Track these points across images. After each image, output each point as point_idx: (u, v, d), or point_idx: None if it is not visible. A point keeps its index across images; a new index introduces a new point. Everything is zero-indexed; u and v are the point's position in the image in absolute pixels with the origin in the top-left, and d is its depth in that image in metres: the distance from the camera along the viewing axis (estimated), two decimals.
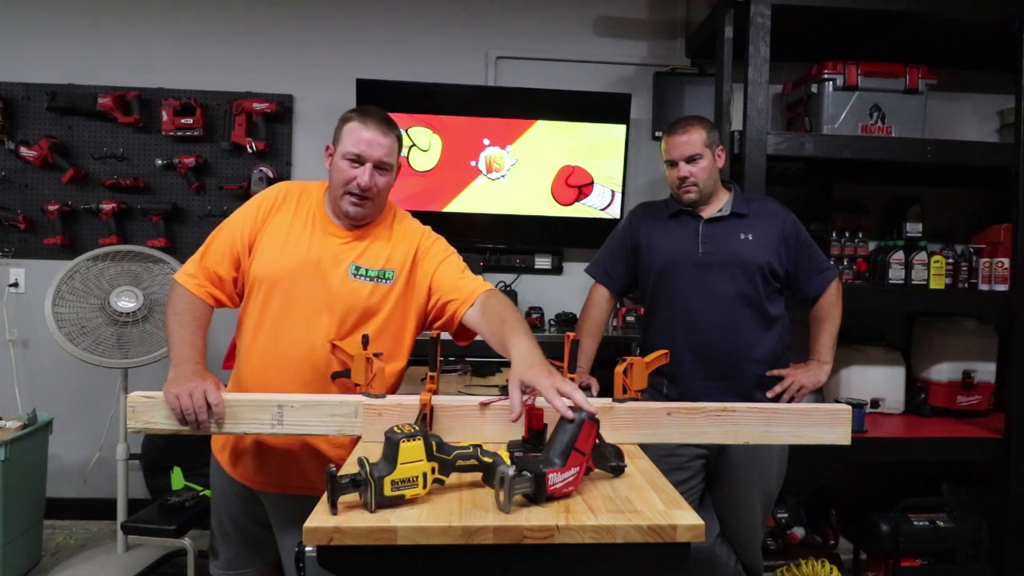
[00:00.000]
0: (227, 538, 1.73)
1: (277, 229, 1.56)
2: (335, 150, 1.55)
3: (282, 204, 1.59)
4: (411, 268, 1.60)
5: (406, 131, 3.03)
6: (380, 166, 1.51)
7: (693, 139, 1.94)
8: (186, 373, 1.40)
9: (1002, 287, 2.74)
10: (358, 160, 1.50)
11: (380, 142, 1.50)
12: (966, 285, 2.90)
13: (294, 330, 1.52)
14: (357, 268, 1.54)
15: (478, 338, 1.62)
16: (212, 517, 1.75)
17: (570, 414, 1.12)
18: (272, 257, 1.54)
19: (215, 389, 1.36)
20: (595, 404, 1.37)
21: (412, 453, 1.04)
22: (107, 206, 3.03)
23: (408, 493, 1.03)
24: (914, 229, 3.03)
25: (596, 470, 1.19)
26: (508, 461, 1.10)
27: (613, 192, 3.15)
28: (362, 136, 1.49)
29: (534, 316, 3.10)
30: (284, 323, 1.52)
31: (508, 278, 3.24)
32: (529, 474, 1.03)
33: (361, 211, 1.53)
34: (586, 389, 1.81)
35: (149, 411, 1.35)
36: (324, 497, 1.00)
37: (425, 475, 1.05)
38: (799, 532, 2.82)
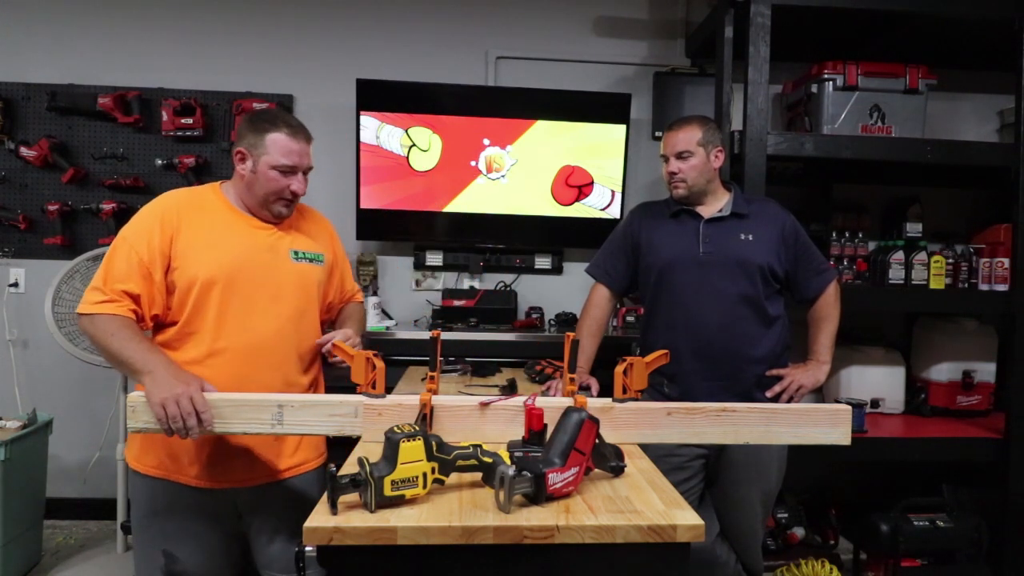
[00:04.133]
0: (196, 555, 1.61)
1: (196, 236, 1.56)
2: (255, 157, 1.59)
3: (187, 212, 1.59)
4: (333, 254, 1.80)
5: (406, 131, 3.03)
6: (305, 172, 1.65)
7: (686, 137, 1.95)
8: (165, 377, 1.35)
9: (1002, 287, 2.74)
10: (292, 170, 1.60)
11: (307, 151, 1.64)
12: (966, 285, 2.89)
13: (259, 320, 1.58)
14: (296, 252, 1.67)
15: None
16: (157, 545, 1.59)
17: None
18: (213, 257, 1.55)
19: (200, 393, 1.34)
20: (595, 404, 1.38)
21: (412, 453, 1.05)
22: (107, 206, 3.03)
23: (408, 493, 1.04)
24: (914, 229, 3.02)
25: (596, 470, 1.19)
26: (508, 461, 1.10)
27: (613, 192, 3.15)
28: (293, 148, 1.60)
29: (534, 316, 3.10)
30: (248, 316, 1.57)
31: (508, 278, 3.24)
32: (529, 474, 1.04)
33: (290, 211, 1.66)
34: (586, 389, 1.82)
35: (149, 411, 1.35)
36: (324, 497, 1.00)
37: (425, 475, 1.06)
38: (799, 532, 2.81)
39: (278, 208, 1.62)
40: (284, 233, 1.67)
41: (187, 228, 1.56)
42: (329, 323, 1.84)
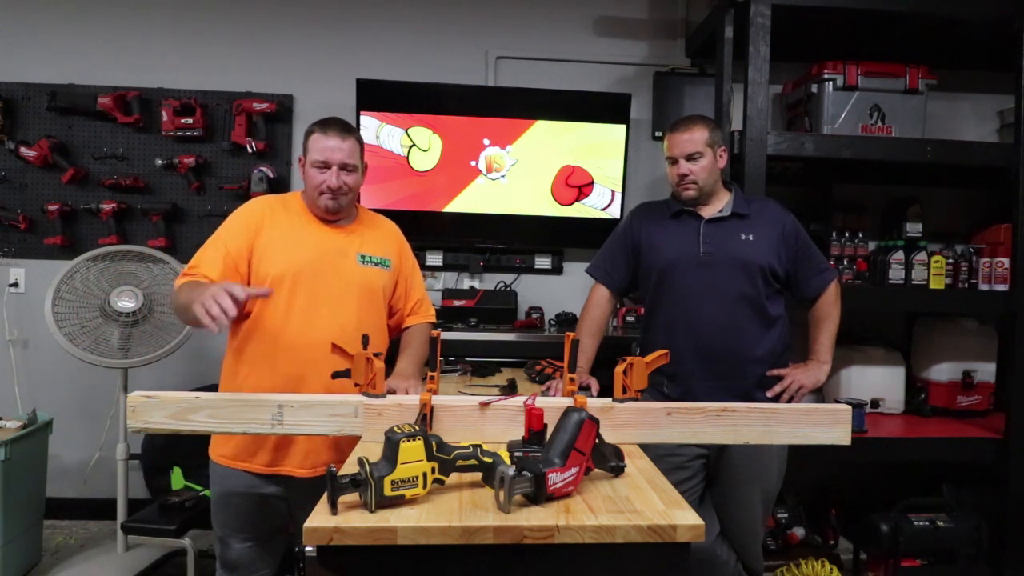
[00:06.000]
0: (242, 542, 1.75)
1: (277, 234, 1.71)
2: (306, 160, 1.73)
3: (271, 213, 1.74)
4: (400, 261, 1.87)
5: (406, 131, 3.03)
6: (344, 167, 1.70)
7: (695, 137, 1.94)
8: (203, 289, 1.40)
9: (1002, 287, 2.74)
10: (325, 165, 1.69)
11: (340, 147, 1.69)
12: (966, 285, 2.89)
13: (322, 318, 1.68)
14: (363, 256, 1.76)
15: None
16: (219, 528, 1.76)
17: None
18: (286, 256, 1.69)
19: (239, 286, 1.38)
20: (595, 404, 1.38)
21: (412, 453, 1.04)
22: (107, 206, 3.03)
23: (408, 493, 1.04)
24: (914, 229, 3.02)
25: (596, 470, 1.19)
26: (508, 461, 1.10)
27: (613, 192, 3.15)
28: (325, 145, 1.69)
29: (534, 316, 3.10)
30: (313, 311, 1.67)
31: (508, 278, 3.24)
32: (529, 474, 1.04)
33: (336, 204, 1.72)
34: (586, 389, 1.82)
35: (149, 411, 1.35)
36: (324, 497, 1.00)
37: (425, 475, 1.06)
38: (799, 532, 2.82)
39: (323, 201, 1.70)
40: (353, 237, 1.77)
41: (268, 227, 1.71)
42: (396, 334, 1.91)
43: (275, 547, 1.81)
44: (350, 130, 1.73)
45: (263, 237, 1.69)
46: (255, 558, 1.76)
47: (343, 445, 1.68)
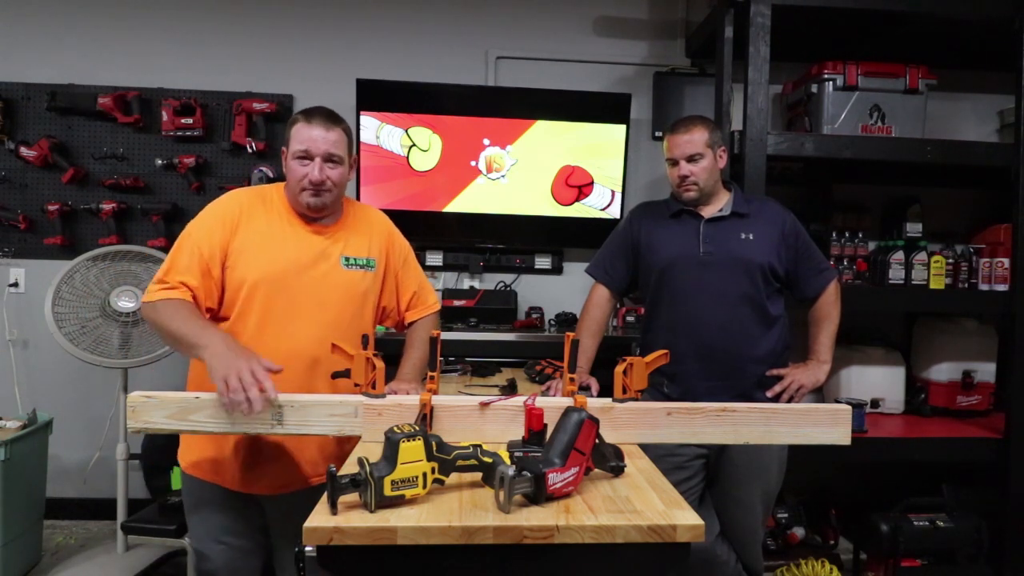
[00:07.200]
0: (220, 553, 1.66)
1: (255, 235, 1.58)
2: (286, 151, 1.60)
3: (249, 210, 1.60)
4: (387, 259, 1.74)
5: (406, 131, 3.03)
6: (329, 159, 1.57)
7: (695, 138, 1.94)
8: (225, 352, 1.33)
9: (1002, 287, 2.74)
10: (307, 156, 1.56)
11: (325, 137, 1.56)
12: (966, 285, 2.89)
13: (301, 327, 1.57)
14: (347, 259, 1.64)
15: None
16: (195, 539, 1.68)
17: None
18: (263, 261, 1.57)
19: (261, 366, 1.29)
20: (595, 404, 1.38)
21: (412, 453, 1.04)
22: (107, 206, 3.03)
23: (408, 493, 1.04)
24: (914, 229, 3.02)
25: (596, 470, 1.19)
26: (508, 461, 1.10)
27: (613, 192, 3.15)
28: (308, 135, 1.55)
29: (534, 316, 3.10)
30: (290, 322, 1.56)
31: (508, 278, 3.24)
32: (529, 474, 1.04)
33: (319, 201, 1.58)
34: (586, 389, 1.82)
35: (149, 411, 1.35)
36: (324, 497, 1.00)
37: (425, 475, 1.06)
38: (799, 532, 2.81)
39: (305, 198, 1.58)
40: (337, 238, 1.65)
41: (245, 227, 1.58)
42: (402, 331, 1.82)
43: (256, 553, 1.70)
44: (337, 120, 1.60)
45: (239, 238, 1.56)
46: (235, 569, 1.66)
47: (318, 458, 1.63)
